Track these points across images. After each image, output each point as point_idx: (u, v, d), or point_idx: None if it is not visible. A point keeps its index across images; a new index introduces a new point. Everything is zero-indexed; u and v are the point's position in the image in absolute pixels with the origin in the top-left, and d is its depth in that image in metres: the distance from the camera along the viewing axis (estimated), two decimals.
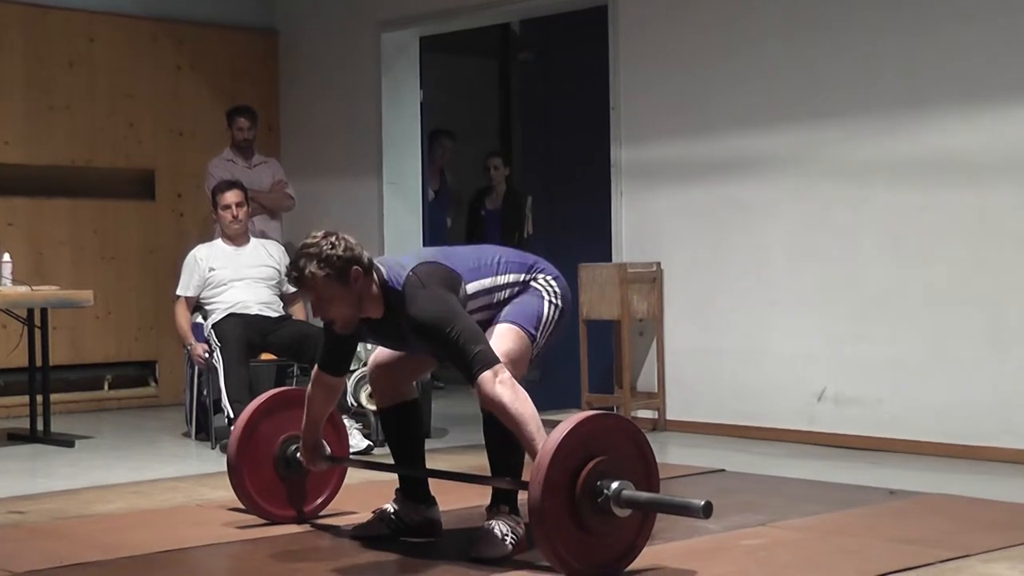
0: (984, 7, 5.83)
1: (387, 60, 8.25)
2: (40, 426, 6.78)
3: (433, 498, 4.24)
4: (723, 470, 5.53)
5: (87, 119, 8.22)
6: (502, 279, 4.05)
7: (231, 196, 6.72)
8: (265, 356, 6.51)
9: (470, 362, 3.71)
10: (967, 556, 3.85)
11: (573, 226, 7.61)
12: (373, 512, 4.24)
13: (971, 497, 4.84)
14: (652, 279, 6.89)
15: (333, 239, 3.83)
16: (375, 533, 4.15)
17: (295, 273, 3.83)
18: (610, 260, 7.07)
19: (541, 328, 4.02)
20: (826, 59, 6.33)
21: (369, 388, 6.24)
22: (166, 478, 5.54)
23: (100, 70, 8.28)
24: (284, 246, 7.23)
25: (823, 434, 6.28)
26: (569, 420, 3.53)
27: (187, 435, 6.84)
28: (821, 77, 6.35)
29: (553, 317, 4.06)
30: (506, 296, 4.04)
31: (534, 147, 8.20)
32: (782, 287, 6.50)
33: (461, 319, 3.79)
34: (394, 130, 8.29)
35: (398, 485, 4.23)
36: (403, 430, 4.23)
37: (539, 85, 8.05)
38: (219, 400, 6.22)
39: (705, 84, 6.79)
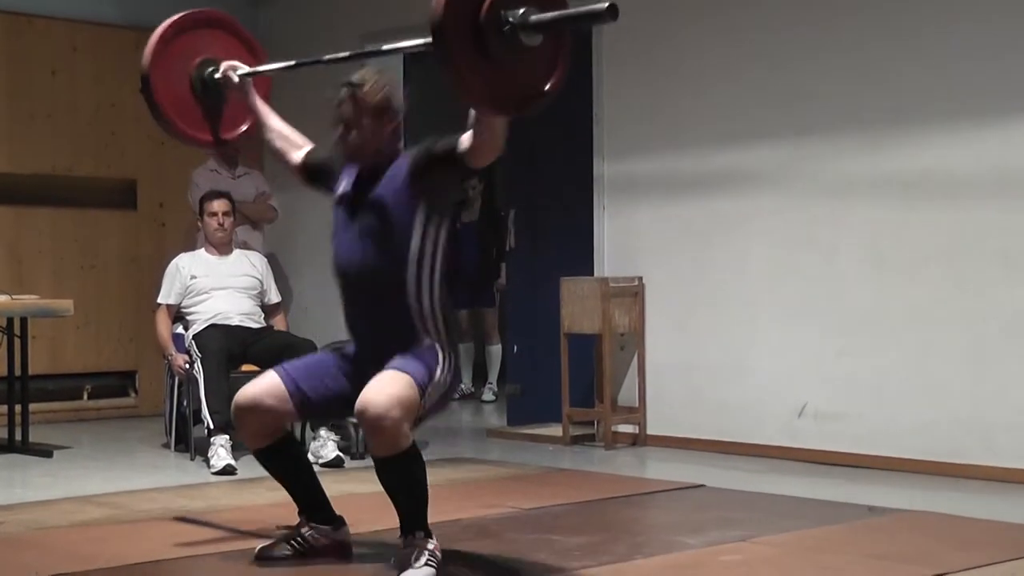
0: (967, 24, 5.84)
1: None
2: (18, 436, 6.74)
3: (341, 518, 4.11)
4: (703, 485, 5.52)
5: (69, 128, 8.19)
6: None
7: (218, 204, 6.74)
8: (246, 367, 6.49)
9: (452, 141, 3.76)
10: (946, 574, 3.85)
11: (555, 239, 7.61)
12: (278, 528, 4.13)
13: (951, 514, 4.85)
14: (634, 293, 6.90)
15: (395, 88, 3.96)
16: (279, 554, 4.02)
17: (350, 82, 3.91)
18: (592, 274, 7.07)
19: (430, 388, 3.76)
20: (809, 75, 6.34)
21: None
22: (144, 489, 5.52)
23: (83, 79, 8.27)
24: (267, 257, 7.23)
25: (804, 450, 6.28)
26: None
27: (166, 446, 6.82)
28: (804, 93, 6.36)
29: (443, 383, 3.82)
30: (427, 325, 3.86)
31: (517, 160, 8.19)
32: (764, 303, 6.51)
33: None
34: None
35: (298, 509, 4.09)
36: (285, 465, 4.08)
37: None
38: (199, 411, 6.21)
39: (689, 99, 6.80)
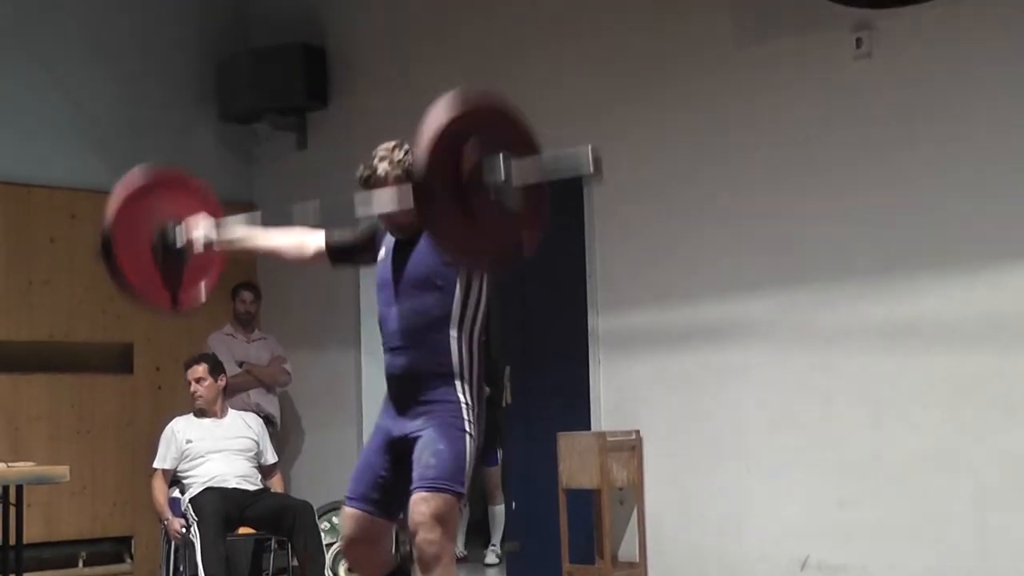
0: (956, 171, 5.92)
1: None
2: None
3: None
4: None
5: (66, 294, 8.23)
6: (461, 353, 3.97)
7: (193, 371, 6.81)
8: (243, 530, 6.44)
9: None
10: None
11: (551, 394, 7.60)
12: None
13: None
14: (631, 447, 6.87)
15: (407, 148, 3.92)
16: None
17: (366, 171, 3.94)
18: (589, 428, 7.05)
19: (467, 474, 3.86)
20: (798, 224, 6.42)
21: (347, 563, 6.16)
22: None
23: (81, 245, 8.30)
24: (279, 419, 7.24)
25: None
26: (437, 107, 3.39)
27: None
28: (795, 243, 6.43)
29: (473, 453, 3.90)
30: (458, 361, 3.96)
31: (511, 315, 8.24)
32: (762, 453, 6.48)
33: None
34: (372, 299, 8.28)
35: None
36: None
37: None
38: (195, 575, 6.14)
39: (680, 251, 6.87)
